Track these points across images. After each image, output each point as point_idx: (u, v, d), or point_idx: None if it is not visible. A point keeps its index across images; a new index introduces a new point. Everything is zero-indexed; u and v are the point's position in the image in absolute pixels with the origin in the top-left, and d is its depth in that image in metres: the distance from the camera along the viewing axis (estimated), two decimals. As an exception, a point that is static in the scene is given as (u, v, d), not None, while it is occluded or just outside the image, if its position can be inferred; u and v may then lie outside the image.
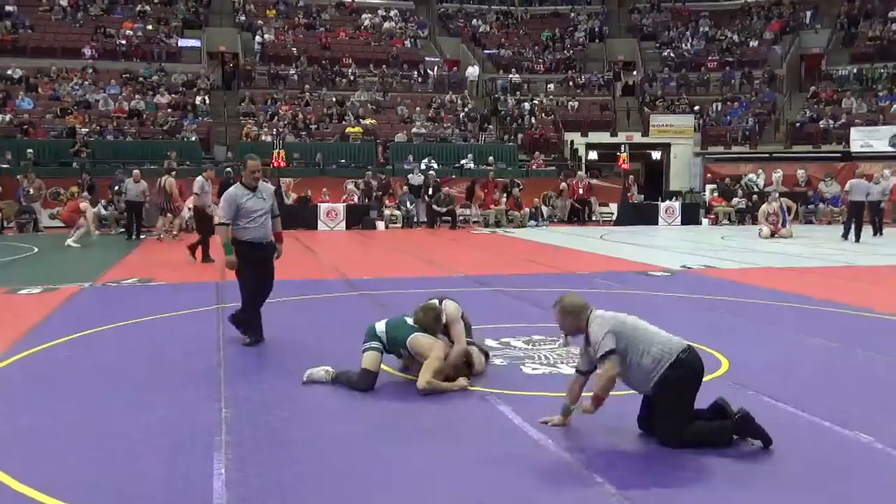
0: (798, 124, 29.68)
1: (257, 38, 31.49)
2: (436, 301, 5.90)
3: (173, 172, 17.17)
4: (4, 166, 21.96)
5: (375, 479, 4.01)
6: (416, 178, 23.38)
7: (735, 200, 24.92)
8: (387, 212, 22.51)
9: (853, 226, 17.71)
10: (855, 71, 31.48)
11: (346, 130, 27.00)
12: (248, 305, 6.98)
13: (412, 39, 34.45)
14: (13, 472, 3.97)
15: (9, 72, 27.07)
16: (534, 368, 6.14)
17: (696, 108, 31.19)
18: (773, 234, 18.80)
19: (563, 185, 24.44)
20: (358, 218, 21.82)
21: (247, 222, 6.85)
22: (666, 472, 4.16)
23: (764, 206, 20.19)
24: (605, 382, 4.48)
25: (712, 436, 4.41)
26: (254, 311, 6.97)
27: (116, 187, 20.57)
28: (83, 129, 24.49)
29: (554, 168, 26.80)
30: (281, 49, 31.66)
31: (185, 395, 5.40)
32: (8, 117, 24.74)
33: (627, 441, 4.54)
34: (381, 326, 5.70)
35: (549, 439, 4.51)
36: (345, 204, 22.22)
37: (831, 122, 28.93)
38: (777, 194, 21.07)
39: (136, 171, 18.45)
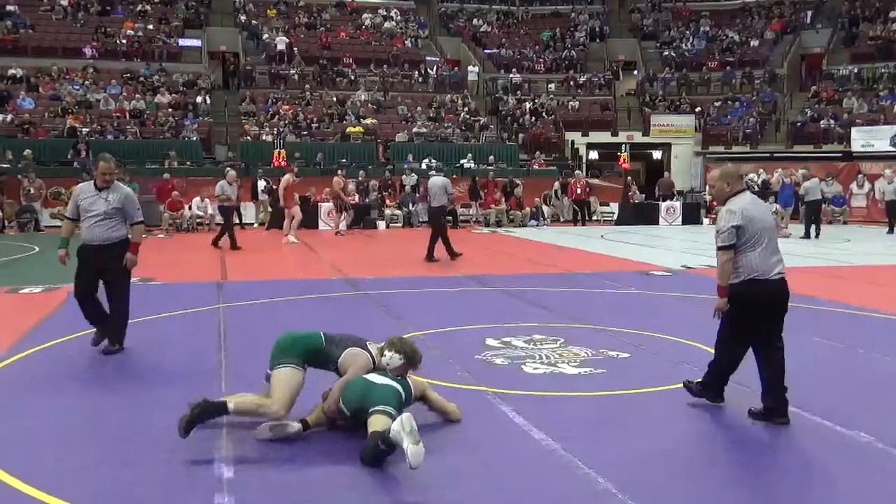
0: (799, 124, 29.65)
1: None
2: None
3: (340, 172, 17.05)
4: (5, 166, 21.95)
5: (376, 479, 4.01)
6: (410, 179, 23.40)
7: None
8: (388, 211, 22.52)
9: (811, 224, 18.37)
10: (856, 70, 31.42)
11: (347, 130, 26.99)
12: (77, 300, 6.66)
13: (413, 39, 34.43)
14: (13, 472, 3.97)
15: (10, 71, 27.06)
16: (535, 368, 6.13)
17: (697, 108, 31.17)
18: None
19: (557, 184, 24.51)
20: (359, 217, 21.81)
21: (82, 221, 6.55)
22: (667, 470, 4.16)
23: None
24: (720, 271, 4.95)
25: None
26: (83, 308, 6.62)
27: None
28: (84, 129, 24.49)
29: (554, 168, 26.79)
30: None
31: (186, 395, 5.37)
32: (9, 117, 24.74)
33: (630, 441, 4.54)
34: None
35: (551, 439, 4.50)
36: (345, 203, 22.18)
37: (832, 121, 28.90)
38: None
39: (231, 172, 15.93)
